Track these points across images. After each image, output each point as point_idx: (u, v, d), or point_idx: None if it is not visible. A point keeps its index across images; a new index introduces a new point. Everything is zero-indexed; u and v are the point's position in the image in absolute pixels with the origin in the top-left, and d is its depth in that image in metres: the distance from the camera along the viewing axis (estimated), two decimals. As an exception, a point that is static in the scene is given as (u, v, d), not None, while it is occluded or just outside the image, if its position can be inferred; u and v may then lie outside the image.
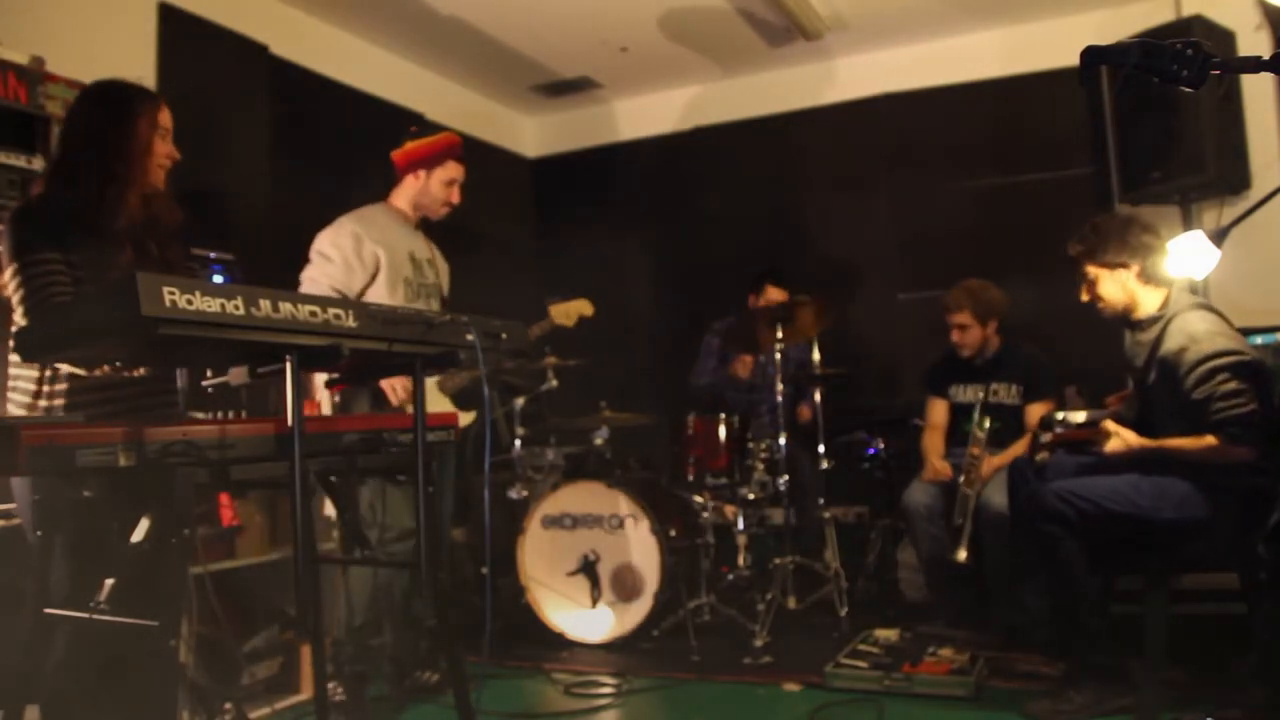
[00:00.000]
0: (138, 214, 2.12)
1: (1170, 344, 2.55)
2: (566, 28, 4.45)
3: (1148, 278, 2.65)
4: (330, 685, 2.48)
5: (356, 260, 2.91)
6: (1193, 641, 2.85)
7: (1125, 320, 2.74)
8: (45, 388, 2.03)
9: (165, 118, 2.18)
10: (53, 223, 2.01)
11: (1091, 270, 2.69)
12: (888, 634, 3.21)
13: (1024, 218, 4.39)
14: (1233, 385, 2.40)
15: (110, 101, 2.15)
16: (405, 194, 3.10)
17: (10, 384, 2.08)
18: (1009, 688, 2.81)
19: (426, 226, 3.19)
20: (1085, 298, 2.74)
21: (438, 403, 3.09)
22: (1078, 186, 4.35)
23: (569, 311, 3.52)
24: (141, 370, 2.07)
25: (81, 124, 2.14)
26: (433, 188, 3.08)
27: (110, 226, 2.06)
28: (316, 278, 2.89)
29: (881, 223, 4.81)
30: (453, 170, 3.10)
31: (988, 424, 3.47)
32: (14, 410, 2.06)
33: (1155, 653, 2.41)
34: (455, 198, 3.12)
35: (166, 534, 1.66)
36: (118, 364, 2.01)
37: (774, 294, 4.28)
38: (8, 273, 2.00)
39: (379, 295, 2.94)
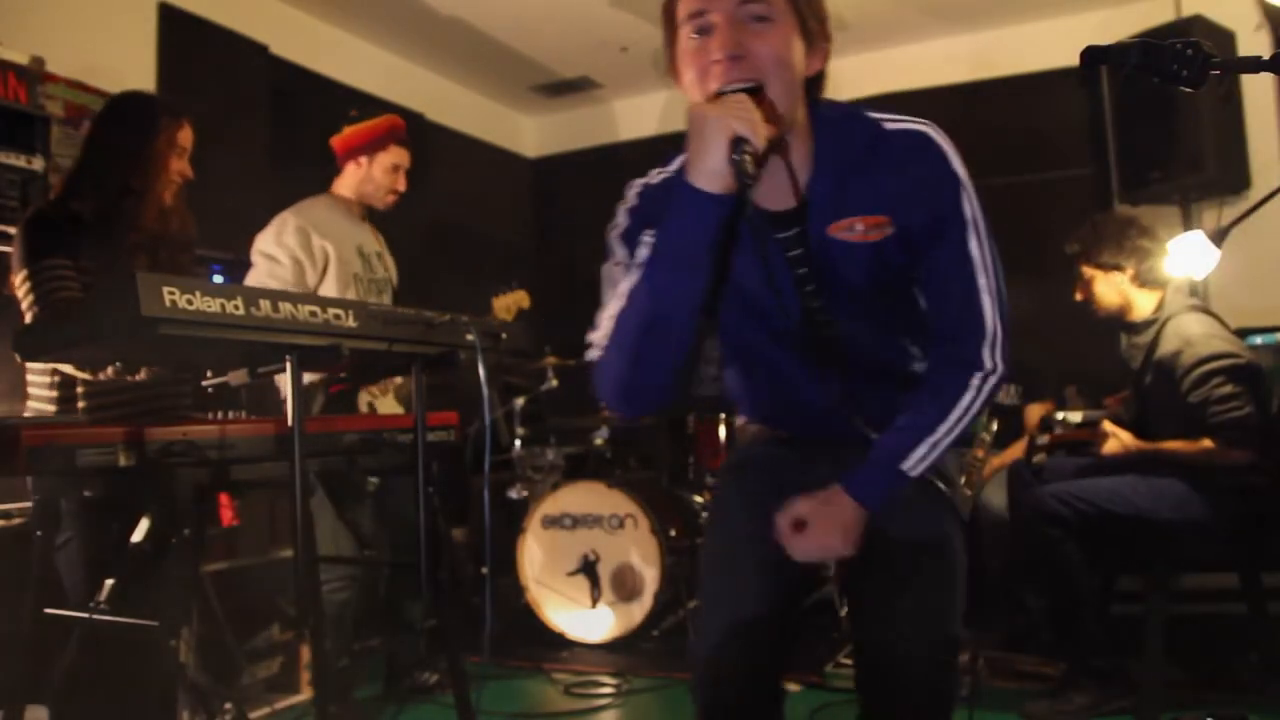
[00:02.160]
0: (154, 226, 2.14)
1: (1166, 347, 2.55)
2: (566, 28, 4.45)
3: (1143, 281, 2.65)
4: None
5: (306, 257, 2.71)
6: (1193, 641, 2.85)
7: (1119, 322, 2.74)
8: (59, 392, 2.05)
9: (185, 136, 2.20)
10: (65, 229, 2.03)
11: (1087, 270, 2.71)
12: (888, 634, 3.20)
13: (1024, 218, 4.37)
14: (1228, 389, 2.40)
15: (132, 115, 2.17)
16: (347, 183, 2.90)
17: (29, 388, 2.10)
18: (1009, 688, 2.81)
19: (374, 217, 3.01)
20: (1079, 297, 2.76)
21: (390, 409, 2.98)
22: (1078, 186, 4.35)
23: (508, 305, 3.31)
24: (143, 374, 2.08)
25: (104, 135, 2.16)
26: (375, 174, 2.88)
27: (126, 237, 2.08)
28: (265, 281, 2.68)
29: (881, 223, 4.81)
30: (396, 155, 2.90)
31: (994, 426, 3.46)
32: (31, 414, 2.07)
33: (1155, 653, 2.41)
34: (401, 185, 2.92)
35: (166, 534, 1.66)
36: (118, 365, 2.01)
37: None
38: (18, 277, 2.01)
39: (327, 294, 2.74)
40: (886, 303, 1.31)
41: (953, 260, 1.25)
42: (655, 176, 1.39)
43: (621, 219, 1.37)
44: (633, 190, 1.39)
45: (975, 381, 1.25)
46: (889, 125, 1.26)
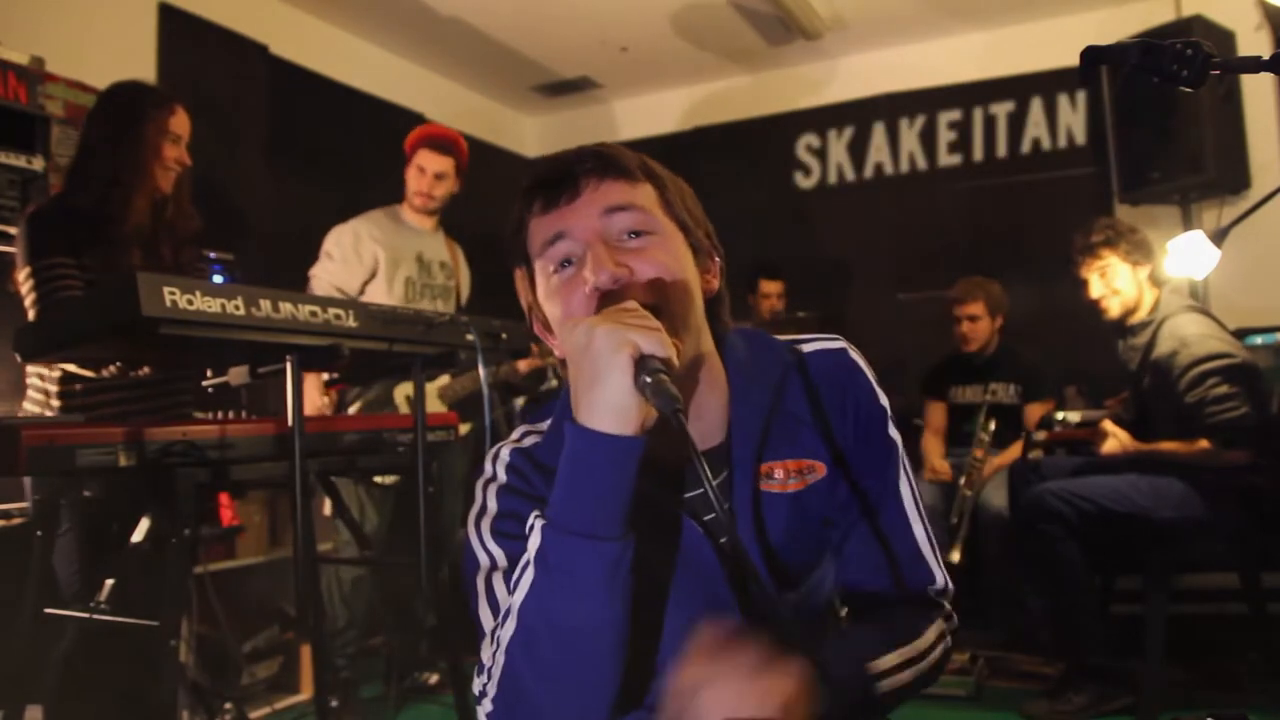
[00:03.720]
0: (145, 218, 2.13)
1: (1162, 348, 2.55)
2: (566, 28, 4.44)
3: (1154, 280, 2.66)
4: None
5: (354, 257, 2.93)
6: (1193, 641, 2.86)
7: (1119, 324, 2.73)
8: (60, 387, 2.04)
9: (177, 123, 2.19)
10: (65, 226, 2.03)
11: (1114, 261, 2.66)
12: (888, 634, 3.20)
13: (1024, 218, 4.39)
14: (1224, 389, 2.40)
15: (118, 105, 2.16)
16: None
17: (27, 385, 2.10)
18: (1009, 688, 2.81)
19: (452, 230, 3.21)
20: (1096, 293, 2.71)
21: (433, 408, 3.09)
22: (1078, 186, 4.35)
23: None
24: (147, 370, 2.08)
25: (92, 127, 2.16)
26: (409, 178, 3.05)
27: (118, 230, 2.07)
28: (319, 275, 2.94)
29: (881, 223, 4.81)
30: (423, 158, 3.02)
31: (992, 426, 3.47)
32: (30, 410, 2.07)
33: (1155, 653, 2.41)
34: (427, 187, 3.04)
35: (166, 534, 1.66)
36: (119, 364, 2.01)
37: (769, 287, 4.29)
38: (21, 274, 2.01)
39: (377, 293, 2.94)
40: (805, 569, 0.99)
41: (886, 504, 1.00)
42: (525, 438, 1.02)
43: (490, 503, 0.97)
44: (498, 463, 1.00)
45: (939, 624, 0.98)
46: (806, 348, 1.04)
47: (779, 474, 0.97)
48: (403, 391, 2.98)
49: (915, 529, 1.01)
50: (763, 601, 0.93)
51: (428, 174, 3.03)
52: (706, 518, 0.97)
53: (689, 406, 0.94)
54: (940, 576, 1.01)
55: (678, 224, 0.98)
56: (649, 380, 0.79)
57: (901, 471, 1.02)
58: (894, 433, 1.03)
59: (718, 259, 1.04)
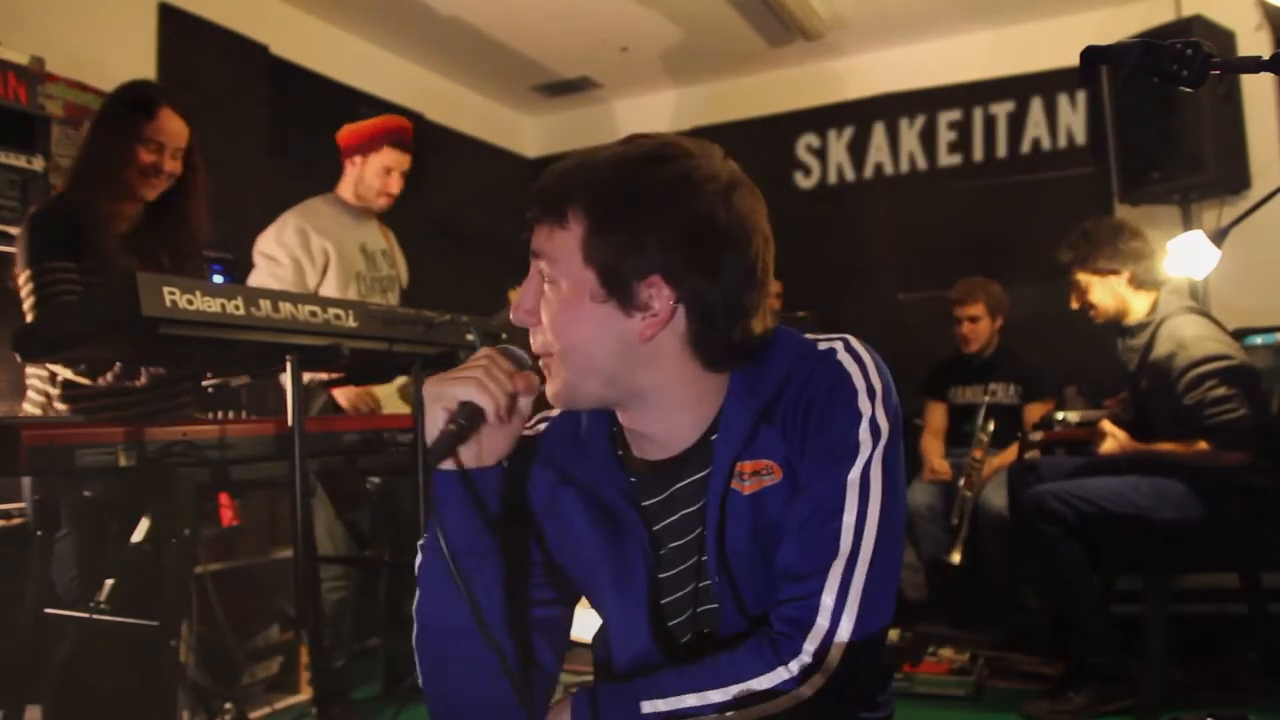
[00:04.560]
0: (130, 224, 2.12)
1: (1160, 350, 2.55)
2: (566, 28, 4.44)
3: (1139, 284, 2.65)
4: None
5: (305, 257, 2.72)
6: (1193, 641, 2.86)
7: (1116, 326, 2.74)
8: (61, 390, 2.04)
9: (156, 128, 2.12)
10: (66, 228, 2.02)
11: (1083, 277, 2.69)
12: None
13: (1024, 218, 4.39)
14: (1222, 391, 2.40)
15: (108, 108, 2.17)
16: (347, 182, 2.91)
17: (29, 394, 2.10)
18: (1009, 688, 2.81)
19: (384, 215, 3.03)
20: (1076, 305, 2.75)
21: (397, 409, 2.98)
22: (1078, 186, 4.35)
23: None
24: (143, 379, 2.07)
25: (91, 130, 2.17)
26: (368, 175, 2.86)
27: (107, 236, 2.07)
28: (265, 281, 2.70)
29: (881, 223, 4.81)
30: (389, 157, 2.86)
31: (991, 426, 3.47)
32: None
33: (1155, 653, 2.41)
34: (393, 187, 2.89)
35: (166, 534, 1.66)
36: (117, 368, 2.01)
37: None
38: (21, 276, 2.01)
39: (328, 292, 2.76)
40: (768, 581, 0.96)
41: (819, 499, 0.93)
42: (539, 424, 1.13)
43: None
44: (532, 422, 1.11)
45: (779, 673, 0.89)
46: (816, 349, 1.00)
47: (749, 477, 0.96)
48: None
49: (842, 540, 0.90)
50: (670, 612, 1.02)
51: (394, 174, 2.89)
52: (658, 526, 1.01)
53: (639, 426, 1.01)
54: (829, 618, 0.88)
55: (597, 270, 0.92)
56: (452, 428, 0.93)
57: (855, 479, 0.92)
58: (864, 436, 0.93)
59: (676, 303, 0.93)
